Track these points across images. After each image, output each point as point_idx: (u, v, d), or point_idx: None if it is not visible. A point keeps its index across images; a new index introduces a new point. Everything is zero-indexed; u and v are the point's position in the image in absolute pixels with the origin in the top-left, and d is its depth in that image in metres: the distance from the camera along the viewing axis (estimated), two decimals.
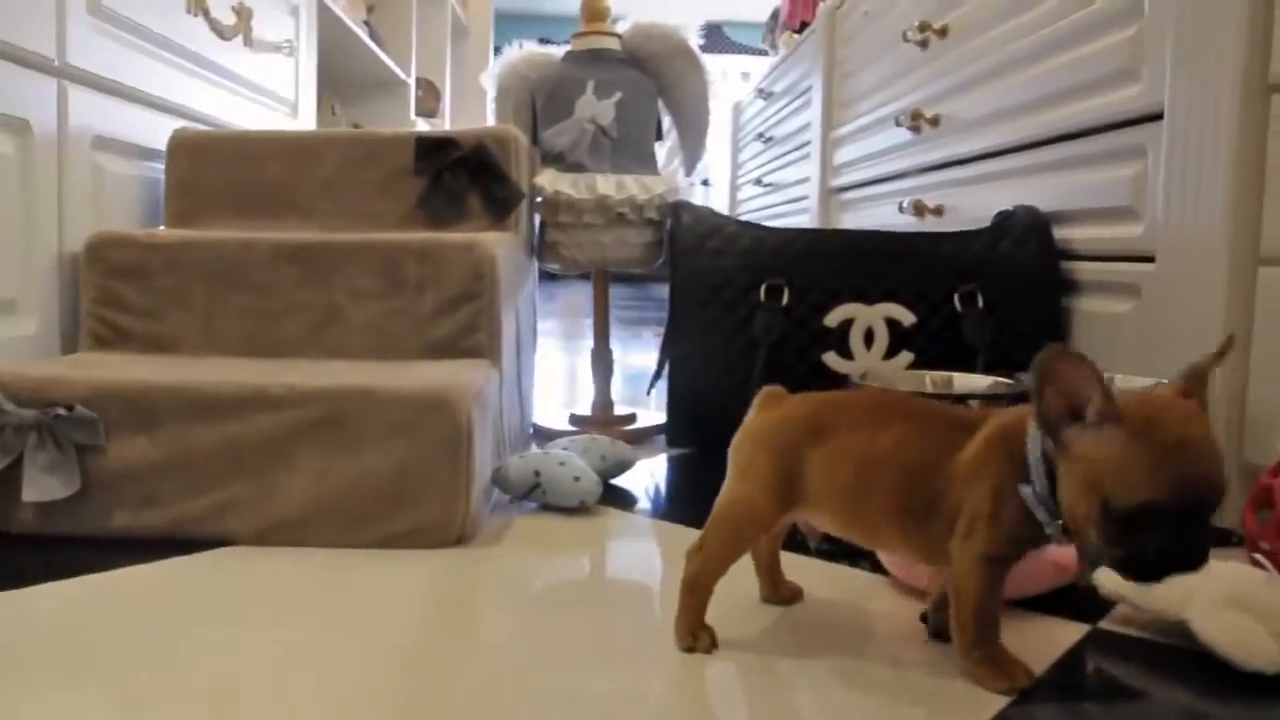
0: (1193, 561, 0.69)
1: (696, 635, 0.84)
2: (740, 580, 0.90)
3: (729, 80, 7.09)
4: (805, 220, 3.03)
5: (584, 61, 1.71)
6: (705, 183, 6.89)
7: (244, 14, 1.95)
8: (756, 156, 3.91)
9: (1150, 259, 1.36)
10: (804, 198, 3.09)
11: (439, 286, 1.32)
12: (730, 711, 0.76)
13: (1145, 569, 0.70)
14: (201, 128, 1.66)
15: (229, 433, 1.11)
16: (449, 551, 1.10)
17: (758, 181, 3.82)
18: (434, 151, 1.52)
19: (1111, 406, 0.69)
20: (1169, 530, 0.68)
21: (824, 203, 2.88)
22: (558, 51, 1.79)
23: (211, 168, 1.55)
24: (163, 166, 1.57)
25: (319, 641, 0.86)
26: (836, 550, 1.10)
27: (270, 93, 2.15)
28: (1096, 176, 1.52)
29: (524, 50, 1.80)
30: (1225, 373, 1.20)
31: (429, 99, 4.49)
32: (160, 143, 1.57)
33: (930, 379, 1.25)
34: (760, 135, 3.79)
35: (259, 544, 1.11)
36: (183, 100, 1.73)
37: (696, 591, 0.85)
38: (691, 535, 0.88)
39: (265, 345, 1.34)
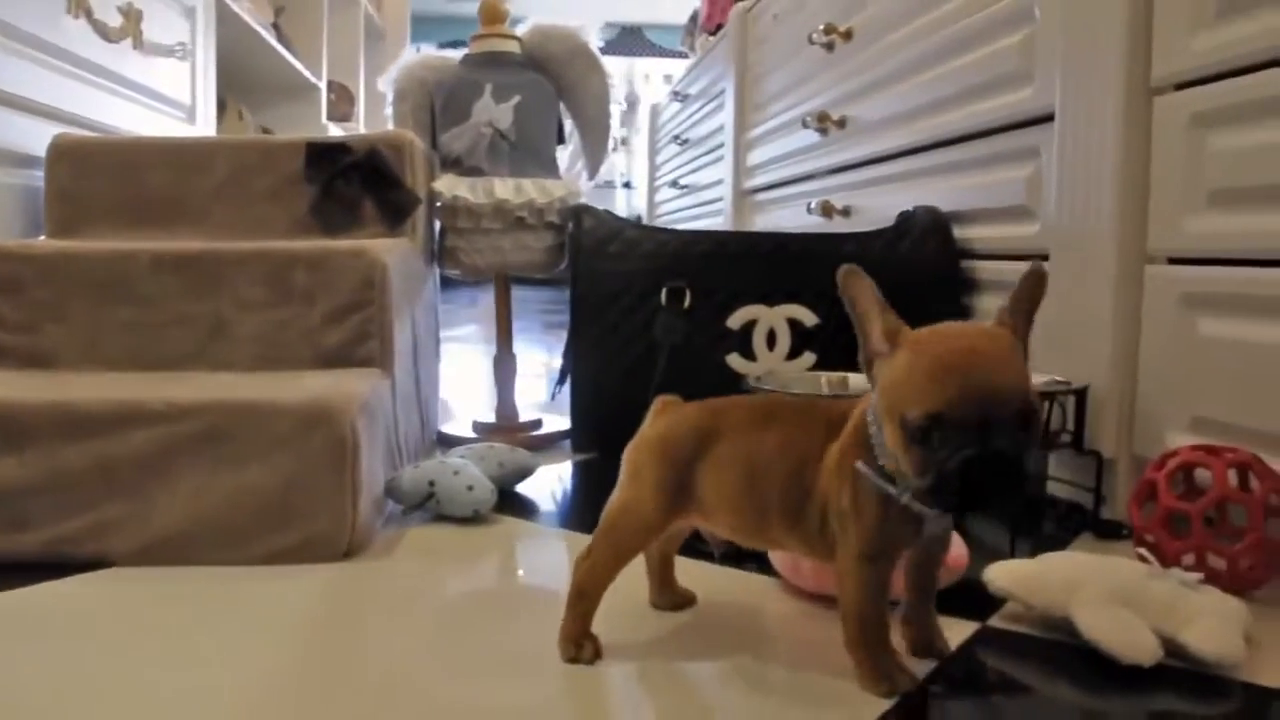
0: (996, 477, 0.65)
1: (580, 645, 0.83)
2: (641, 584, 0.89)
3: (651, 83, 7.11)
4: (719, 222, 3.04)
5: (482, 65, 1.68)
6: (628, 185, 6.91)
7: (132, 15, 1.89)
8: (673, 159, 3.91)
9: (1045, 257, 1.37)
10: (718, 200, 3.10)
11: (329, 295, 1.29)
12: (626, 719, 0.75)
13: (950, 490, 0.66)
14: (84, 133, 1.60)
15: (103, 451, 1.07)
16: (337, 565, 1.08)
17: (674, 184, 3.81)
18: (326, 157, 1.48)
19: (892, 324, 0.71)
20: (964, 443, 0.65)
21: (737, 205, 2.89)
22: (457, 55, 1.76)
23: (95, 175, 1.50)
24: (43, 174, 1.51)
25: (200, 661, 0.83)
26: (737, 554, 1.09)
27: (164, 97, 2.09)
28: (993, 177, 1.53)
29: (421, 54, 1.78)
30: (1114, 368, 1.22)
31: (342, 103, 4.42)
32: (40, 149, 1.51)
33: (825, 379, 1.25)
34: (676, 137, 3.79)
35: (140, 564, 1.07)
36: (66, 105, 1.67)
37: (583, 600, 0.84)
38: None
39: (150, 359, 1.30)
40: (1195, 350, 1.12)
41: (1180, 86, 1.14)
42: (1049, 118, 1.36)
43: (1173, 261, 1.17)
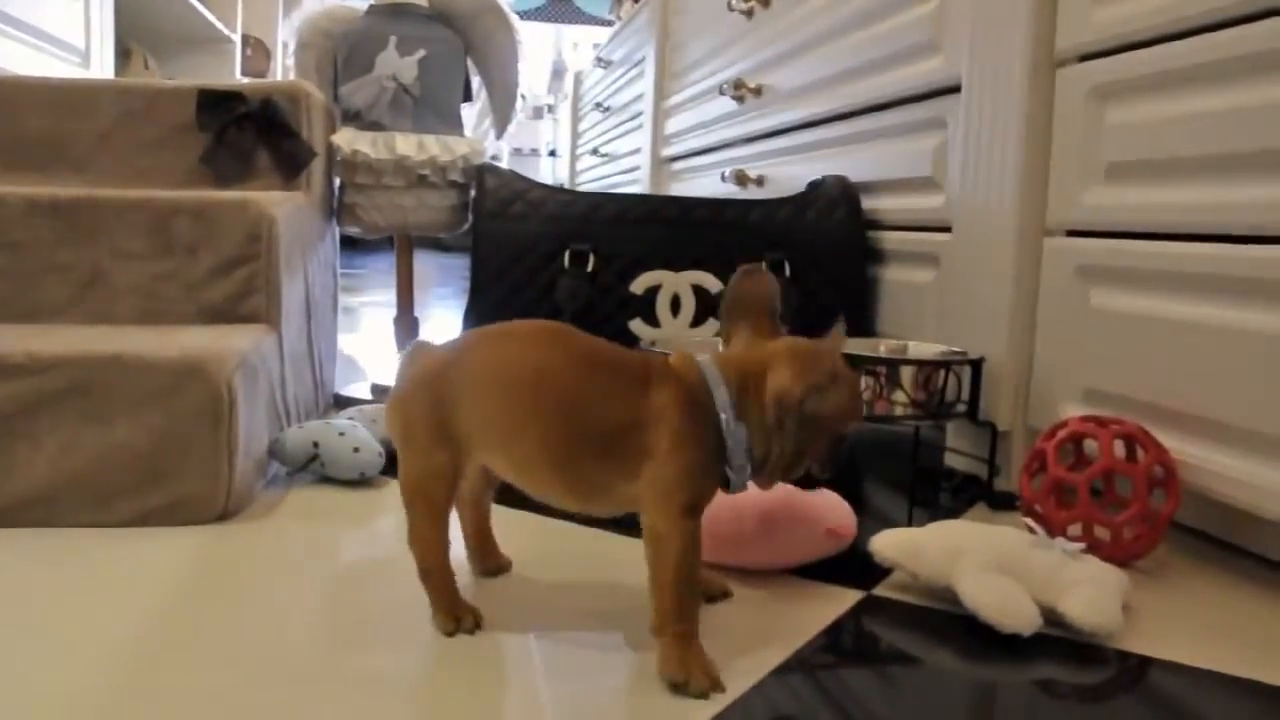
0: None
1: (458, 617, 0.80)
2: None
3: (579, 51, 7.03)
4: (637, 190, 3.01)
5: (387, 16, 1.63)
6: (553, 153, 6.84)
7: None
8: (595, 126, 3.87)
9: (948, 229, 1.37)
10: (636, 168, 3.07)
11: (213, 248, 1.23)
12: (491, 687, 0.72)
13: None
14: None
15: None
16: (211, 527, 1.03)
17: (595, 151, 3.78)
18: (218, 106, 1.42)
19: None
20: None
21: (655, 173, 2.87)
22: (363, 6, 1.70)
23: None
24: None
25: (60, 627, 0.79)
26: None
27: (54, 39, 1.99)
28: (902, 148, 1.53)
29: (326, 4, 1.72)
30: (1012, 340, 1.22)
31: (258, 59, 4.30)
32: None
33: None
34: (599, 105, 3.75)
35: (1, 525, 1.02)
36: None
37: (431, 575, 0.81)
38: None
39: (22, 309, 1.23)
40: (1089, 322, 1.12)
41: (1083, 59, 1.14)
42: (956, 89, 1.35)
43: (1071, 234, 1.17)
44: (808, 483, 0.86)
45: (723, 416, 0.74)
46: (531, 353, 0.76)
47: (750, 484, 0.78)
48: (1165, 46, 1.02)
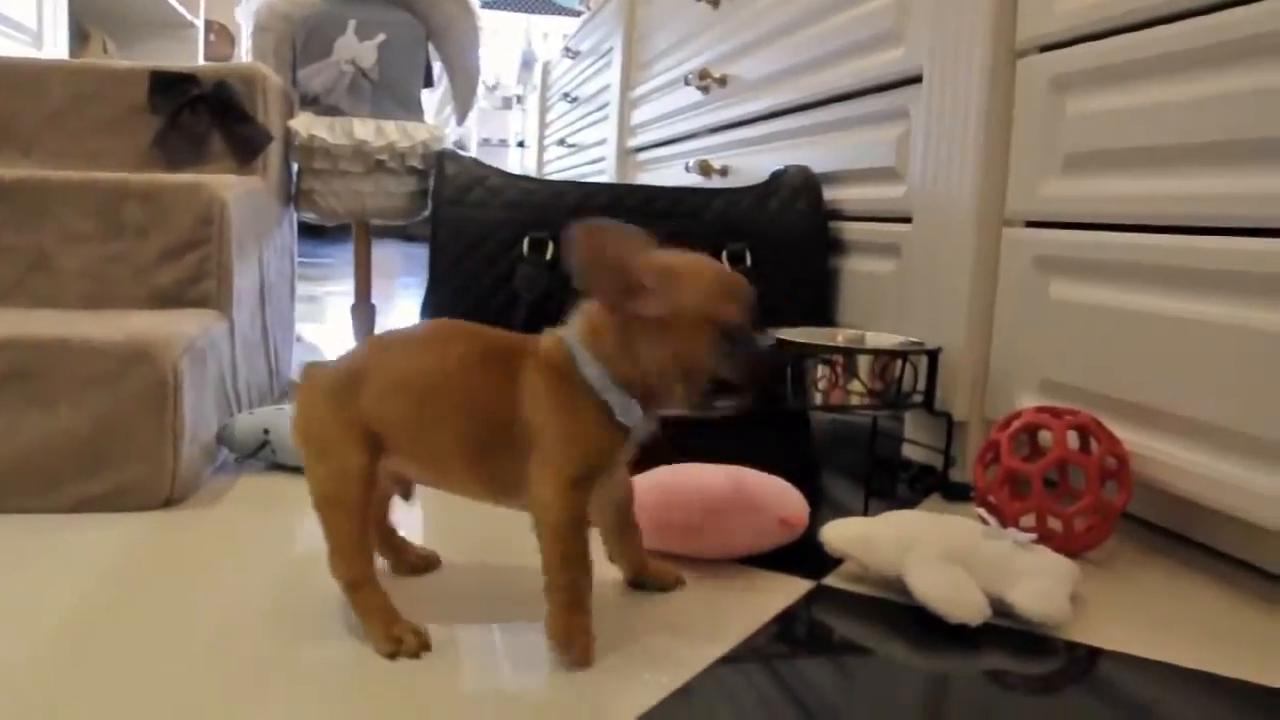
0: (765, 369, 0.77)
1: (397, 639, 0.74)
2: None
3: (549, 42, 6.99)
4: (604, 181, 3.00)
5: (347, 0, 1.61)
6: (521, 144, 6.80)
7: None
8: (563, 116, 3.85)
9: (908, 220, 1.37)
10: (602, 159, 3.06)
11: (163, 231, 1.21)
12: (441, 676, 0.71)
13: (746, 369, 0.74)
14: None
15: None
16: (157, 514, 1.02)
17: (562, 142, 3.76)
18: (171, 88, 1.40)
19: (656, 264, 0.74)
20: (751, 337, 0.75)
21: (621, 163, 2.85)
22: None
23: None
24: None
25: (8, 612, 0.77)
26: None
27: (3, 17, 1.95)
28: (865, 138, 1.52)
29: None
30: (969, 331, 1.22)
31: (221, 44, 4.26)
32: None
33: None
34: (566, 95, 3.73)
35: None
36: None
37: (361, 590, 0.77)
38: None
39: None
40: (1046, 313, 1.12)
41: (1044, 49, 1.14)
42: (918, 79, 1.35)
43: (1030, 225, 1.17)
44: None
45: (586, 371, 0.74)
46: (430, 355, 0.78)
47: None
48: (1125, 37, 1.02)
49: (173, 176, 1.25)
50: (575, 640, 0.73)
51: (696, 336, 0.73)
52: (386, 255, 4.92)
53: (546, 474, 0.74)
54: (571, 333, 0.77)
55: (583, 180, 1.57)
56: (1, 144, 1.39)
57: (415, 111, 1.63)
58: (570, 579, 0.74)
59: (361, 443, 0.76)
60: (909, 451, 1.35)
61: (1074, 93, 1.09)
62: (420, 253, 4.93)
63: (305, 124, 1.51)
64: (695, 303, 0.74)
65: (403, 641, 0.73)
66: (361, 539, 0.78)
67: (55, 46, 2.18)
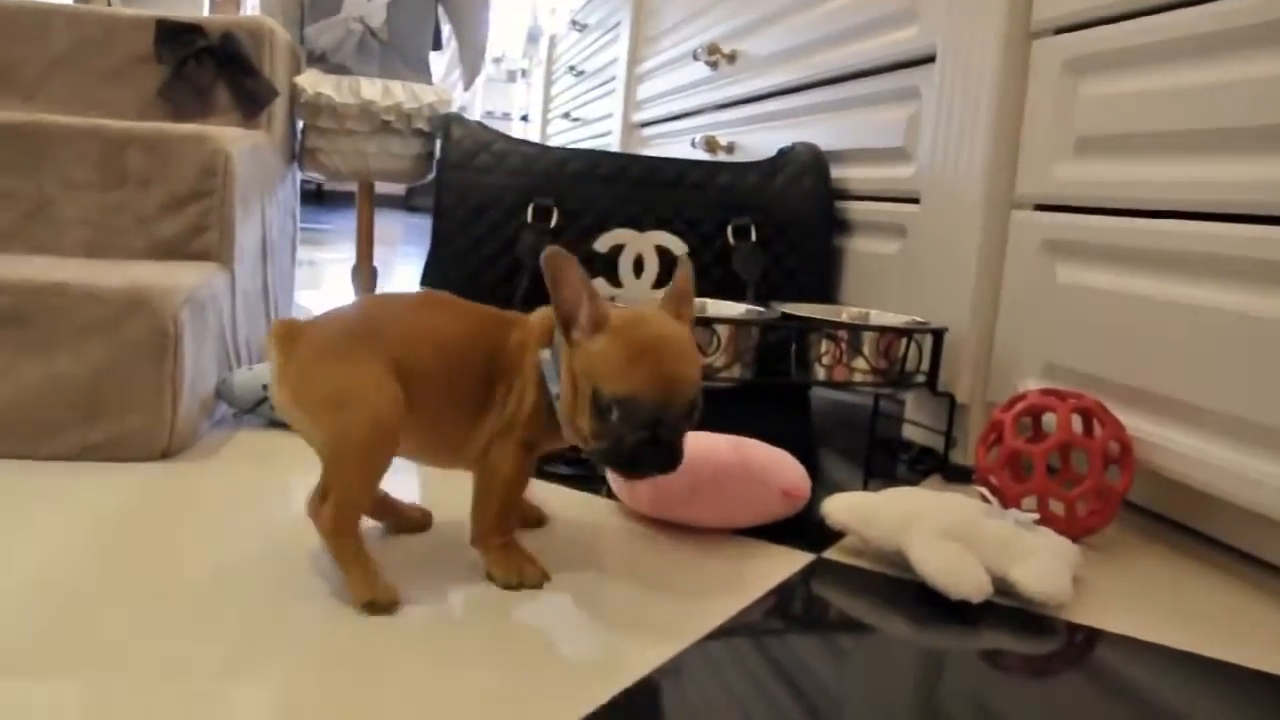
0: (663, 459, 0.73)
1: (374, 592, 0.73)
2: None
3: (556, 16, 6.94)
4: None
5: None
6: (525, 118, 6.77)
7: None
8: (568, 90, 3.83)
9: (916, 200, 1.36)
10: (608, 133, 3.04)
11: (166, 181, 1.20)
12: (430, 639, 0.70)
13: (620, 460, 0.73)
14: None
15: None
16: (153, 465, 1.01)
17: (567, 115, 3.74)
18: (177, 38, 1.38)
19: (599, 311, 0.74)
20: (639, 425, 0.72)
21: (626, 138, 2.84)
22: None
23: None
24: None
25: None
26: (580, 475, 1.06)
27: None
28: (875, 117, 1.51)
29: None
30: (974, 313, 1.21)
31: (227, 4, 4.22)
32: None
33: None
34: (572, 68, 3.70)
35: None
36: None
37: (347, 540, 0.75)
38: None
39: None
40: (1052, 297, 1.12)
41: (1059, 31, 1.13)
42: (931, 59, 1.34)
43: (1039, 208, 1.16)
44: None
45: (550, 362, 0.78)
46: (443, 315, 0.81)
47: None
48: (1141, 21, 1.01)
49: (177, 126, 1.23)
50: (526, 571, 0.79)
51: (584, 395, 0.74)
52: (388, 223, 4.91)
53: (507, 434, 0.79)
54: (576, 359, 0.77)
55: (589, 148, 1.55)
56: (2, 89, 1.37)
57: (423, 73, 1.61)
58: (509, 527, 0.81)
59: (394, 387, 0.75)
60: (909, 432, 1.34)
61: (1088, 76, 1.08)
62: (421, 222, 4.93)
63: (312, 81, 1.50)
64: (592, 365, 0.74)
65: (377, 596, 0.73)
66: (367, 499, 0.79)
67: None
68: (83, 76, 1.40)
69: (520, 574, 0.79)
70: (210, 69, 1.39)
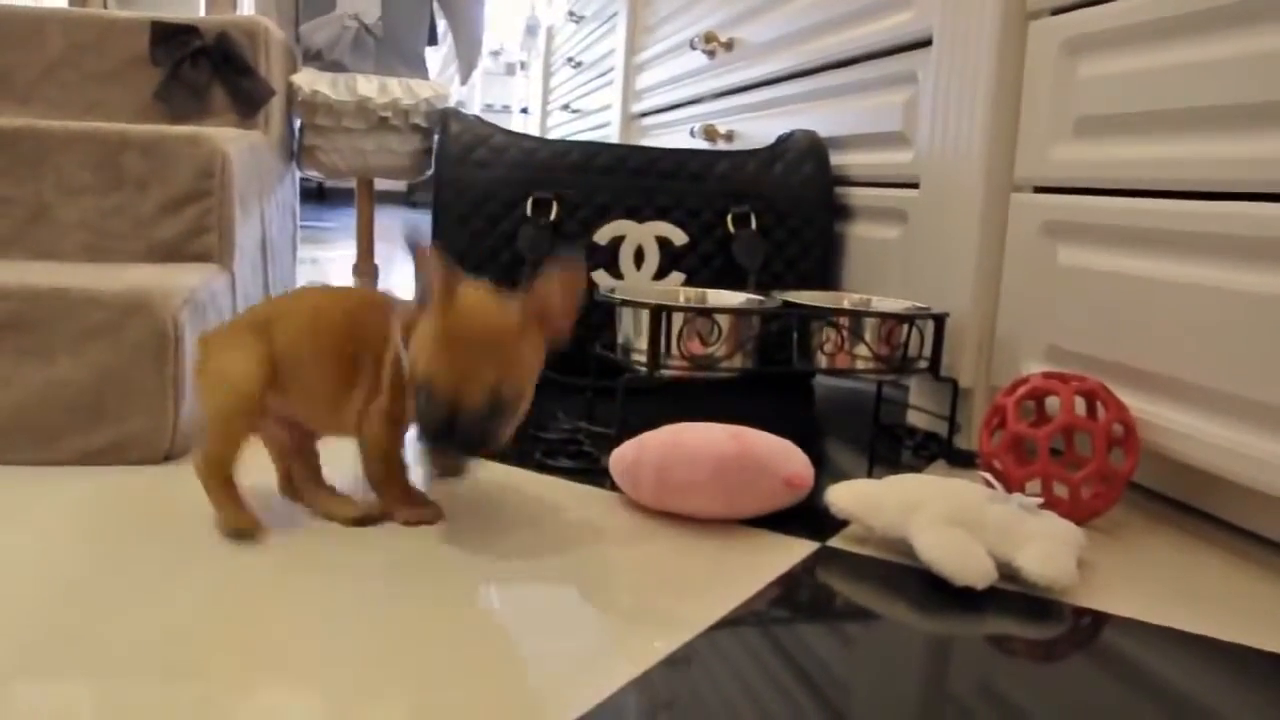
0: (463, 445, 0.80)
1: (239, 522, 0.84)
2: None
3: (554, 8, 6.93)
4: None
5: None
6: (525, 111, 6.76)
7: None
8: (567, 82, 3.82)
9: (916, 185, 1.36)
10: (607, 124, 3.03)
11: (163, 184, 1.20)
12: (441, 630, 0.70)
13: (427, 437, 0.80)
14: None
15: None
16: (157, 468, 1.01)
17: (566, 107, 3.73)
18: (172, 39, 1.38)
19: (442, 295, 0.78)
20: (438, 414, 0.78)
21: (625, 128, 2.83)
22: None
23: None
24: None
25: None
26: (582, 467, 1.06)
27: None
28: (873, 103, 1.51)
29: None
30: (976, 297, 1.21)
31: (223, 1, 4.21)
32: None
33: (683, 295, 1.22)
34: (570, 60, 3.70)
35: None
36: None
37: (212, 484, 0.85)
38: None
39: None
40: (1054, 279, 1.11)
41: (1056, 12, 1.12)
42: (927, 42, 1.33)
43: (1038, 190, 1.16)
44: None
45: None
46: (327, 299, 0.92)
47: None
48: None
49: (173, 128, 1.23)
50: (423, 514, 0.88)
51: (410, 377, 0.81)
52: (389, 220, 4.90)
53: (377, 409, 0.86)
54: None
55: (587, 140, 1.55)
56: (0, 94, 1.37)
57: (419, 69, 1.61)
58: (398, 478, 0.89)
59: (254, 367, 0.85)
60: (913, 418, 1.34)
61: (1086, 56, 1.08)
62: (423, 219, 4.92)
63: (308, 79, 1.50)
64: (413, 346, 0.80)
65: (240, 525, 0.84)
66: (237, 442, 0.85)
67: None
68: (78, 80, 1.40)
69: (419, 514, 0.88)
70: (206, 70, 1.39)
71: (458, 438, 0.78)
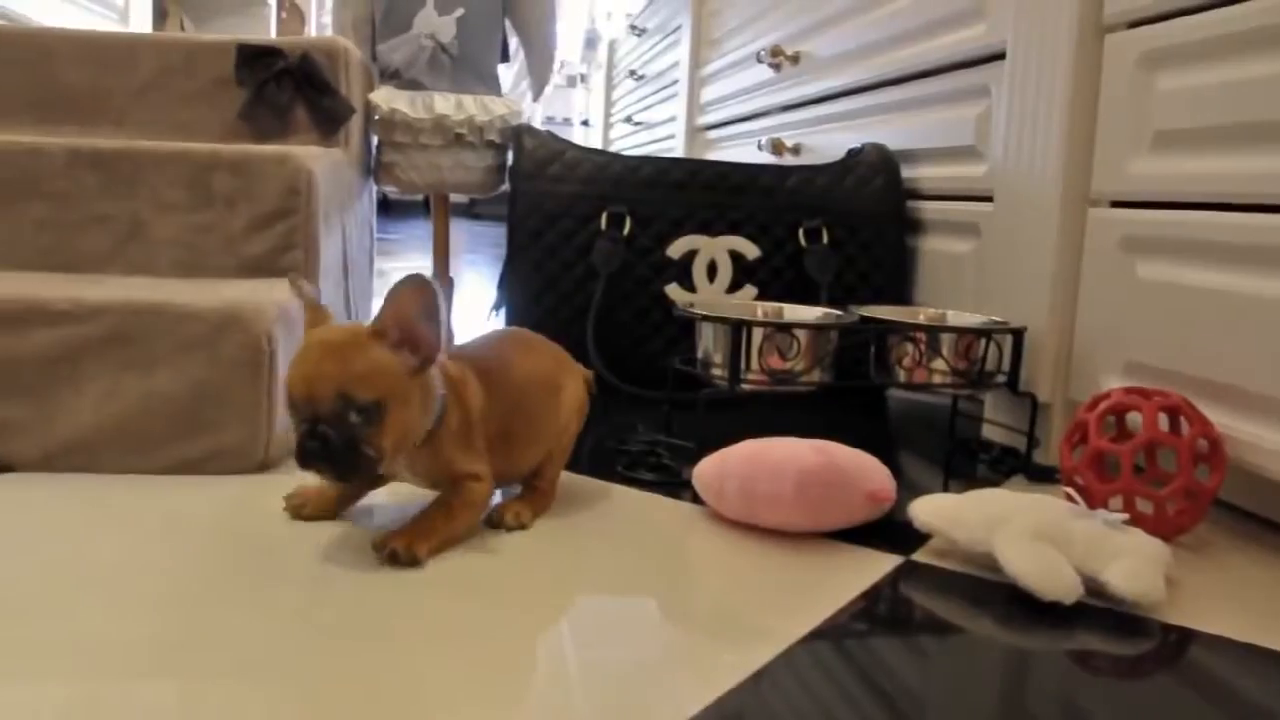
0: (330, 457, 0.79)
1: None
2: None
3: (613, 21, 6.97)
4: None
5: None
6: (585, 123, 6.80)
7: None
8: (629, 94, 3.85)
9: (989, 198, 1.36)
10: (671, 136, 3.05)
11: (251, 201, 1.23)
12: (528, 648, 0.72)
13: (296, 452, 0.80)
14: None
15: (4, 350, 1.02)
16: (251, 477, 1.04)
17: (629, 120, 3.76)
18: (257, 61, 1.42)
19: (310, 319, 0.85)
20: (304, 421, 0.79)
21: (690, 141, 2.85)
22: None
23: (6, 67, 1.42)
24: None
25: (96, 571, 0.79)
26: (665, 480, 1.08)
27: None
28: (944, 116, 1.51)
29: None
30: (1053, 311, 1.21)
31: (293, 22, 4.30)
32: None
33: (760, 309, 1.23)
34: (633, 73, 3.72)
35: (43, 469, 1.03)
36: None
37: None
38: None
39: (64, 259, 1.24)
40: (1133, 294, 1.11)
41: (1133, 25, 1.12)
42: (1001, 56, 1.33)
43: (1115, 205, 1.15)
44: None
45: None
46: None
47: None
48: (1218, 11, 1.00)
49: (260, 148, 1.27)
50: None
51: None
52: (452, 231, 4.95)
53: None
54: None
55: (659, 155, 1.57)
56: (96, 116, 1.42)
57: (493, 86, 1.64)
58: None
59: None
60: (988, 432, 1.34)
61: (1164, 69, 1.07)
62: (484, 230, 4.99)
63: (386, 97, 1.53)
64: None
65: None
66: None
67: (141, 24, 2.23)
68: (168, 101, 1.44)
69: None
70: (289, 89, 1.42)
71: (320, 441, 0.78)
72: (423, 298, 0.81)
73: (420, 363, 0.82)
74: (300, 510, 0.94)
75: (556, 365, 1.01)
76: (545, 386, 0.97)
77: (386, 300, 0.81)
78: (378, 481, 0.96)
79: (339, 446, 0.78)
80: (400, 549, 0.82)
